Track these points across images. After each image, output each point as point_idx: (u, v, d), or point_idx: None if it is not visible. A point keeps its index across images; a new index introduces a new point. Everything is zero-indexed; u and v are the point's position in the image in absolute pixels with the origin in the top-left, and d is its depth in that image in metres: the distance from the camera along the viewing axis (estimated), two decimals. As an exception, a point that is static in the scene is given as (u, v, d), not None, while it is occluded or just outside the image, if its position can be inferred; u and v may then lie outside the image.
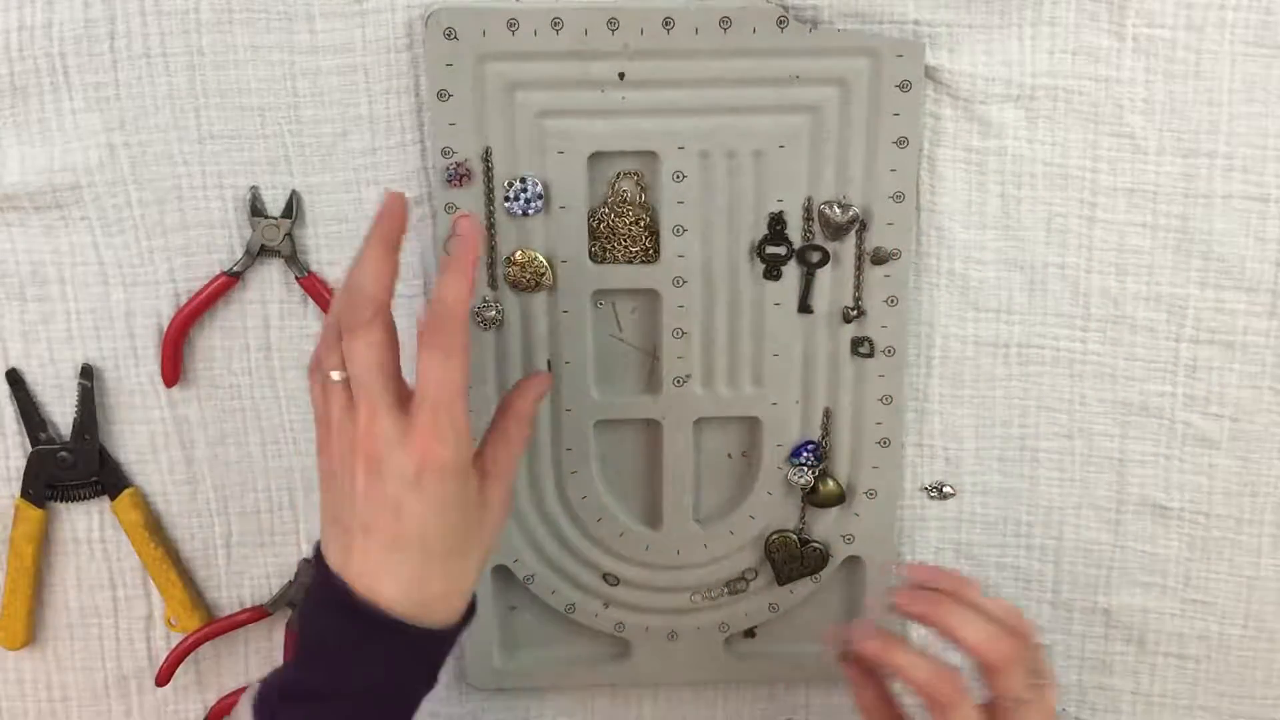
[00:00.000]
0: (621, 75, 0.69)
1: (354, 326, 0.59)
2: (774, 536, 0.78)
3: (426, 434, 0.58)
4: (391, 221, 0.60)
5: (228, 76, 0.69)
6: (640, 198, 0.73)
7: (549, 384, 0.71)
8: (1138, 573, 0.80)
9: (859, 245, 0.73)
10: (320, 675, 0.61)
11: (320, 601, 0.62)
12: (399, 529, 0.59)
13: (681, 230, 0.72)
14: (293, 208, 0.71)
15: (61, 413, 0.75)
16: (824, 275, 0.73)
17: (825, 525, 0.78)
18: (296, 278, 0.73)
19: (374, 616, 0.59)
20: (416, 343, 0.59)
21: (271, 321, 0.74)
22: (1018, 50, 0.70)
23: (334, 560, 0.61)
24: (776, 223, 0.72)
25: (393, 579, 0.59)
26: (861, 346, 0.75)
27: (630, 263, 0.73)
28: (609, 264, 0.73)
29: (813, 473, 0.77)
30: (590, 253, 0.73)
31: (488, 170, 0.71)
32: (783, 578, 0.79)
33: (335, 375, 0.60)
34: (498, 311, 0.73)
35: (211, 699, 0.82)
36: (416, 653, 0.62)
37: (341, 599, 0.60)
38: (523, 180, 0.71)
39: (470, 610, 0.65)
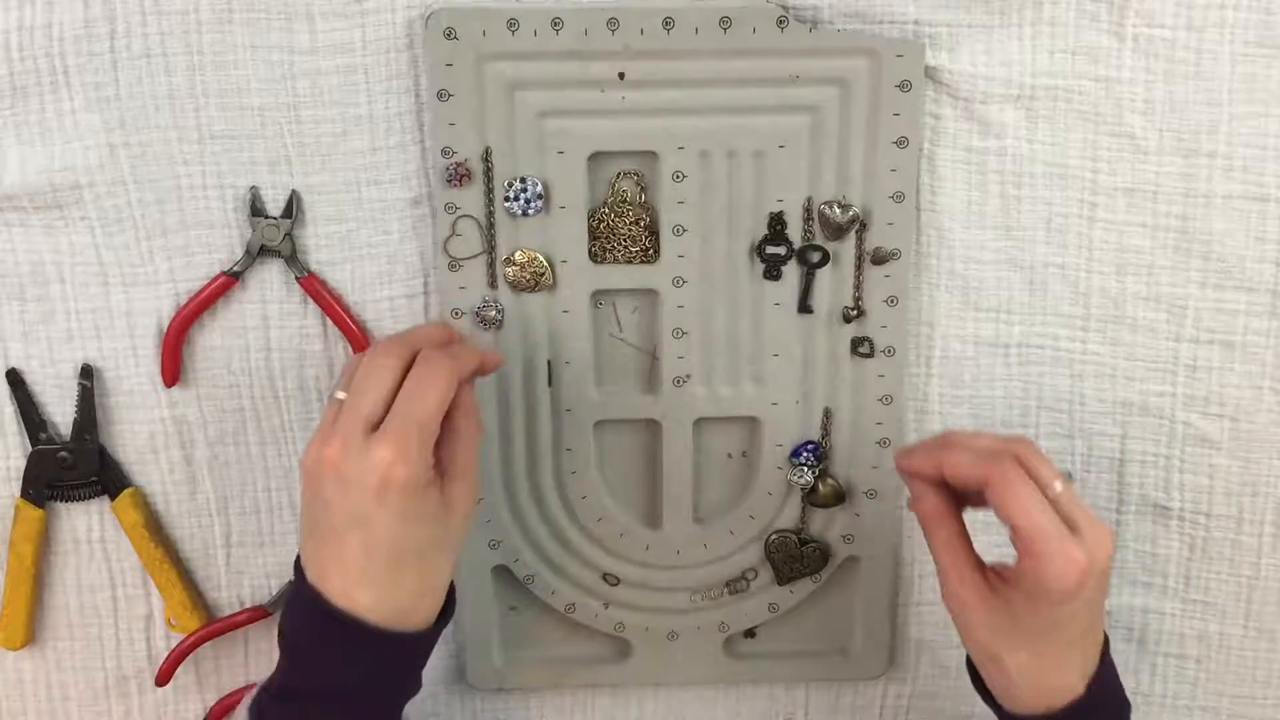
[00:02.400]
0: (621, 75, 0.69)
1: (384, 352, 0.62)
2: (774, 536, 0.78)
3: (388, 451, 0.59)
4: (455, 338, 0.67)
5: (228, 76, 0.69)
6: (640, 198, 0.73)
7: (496, 363, 0.69)
8: (1138, 573, 0.80)
9: (859, 245, 0.73)
10: (306, 679, 0.63)
11: (302, 611, 0.64)
12: (368, 539, 0.61)
13: (681, 230, 0.72)
14: (293, 208, 0.71)
15: (61, 413, 0.75)
16: (824, 275, 0.73)
17: (825, 525, 0.78)
18: (296, 278, 0.73)
19: (353, 626, 0.61)
20: (414, 364, 0.62)
21: (271, 321, 0.74)
22: (1018, 50, 0.70)
23: (312, 573, 0.62)
24: (776, 223, 0.72)
25: (368, 587, 0.61)
26: (861, 346, 0.75)
27: (630, 263, 0.73)
28: (609, 264, 0.73)
29: (813, 473, 0.77)
30: (590, 253, 0.73)
31: (488, 170, 0.71)
32: (783, 578, 0.79)
33: (339, 394, 0.62)
34: (498, 311, 0.73)
35: (211, 699, 0.82)
36: (396, 656, 0.64)
37: (321, 609, 0.61)
38: (523, 180, 0.71)
39: (448, 610, 0.66)
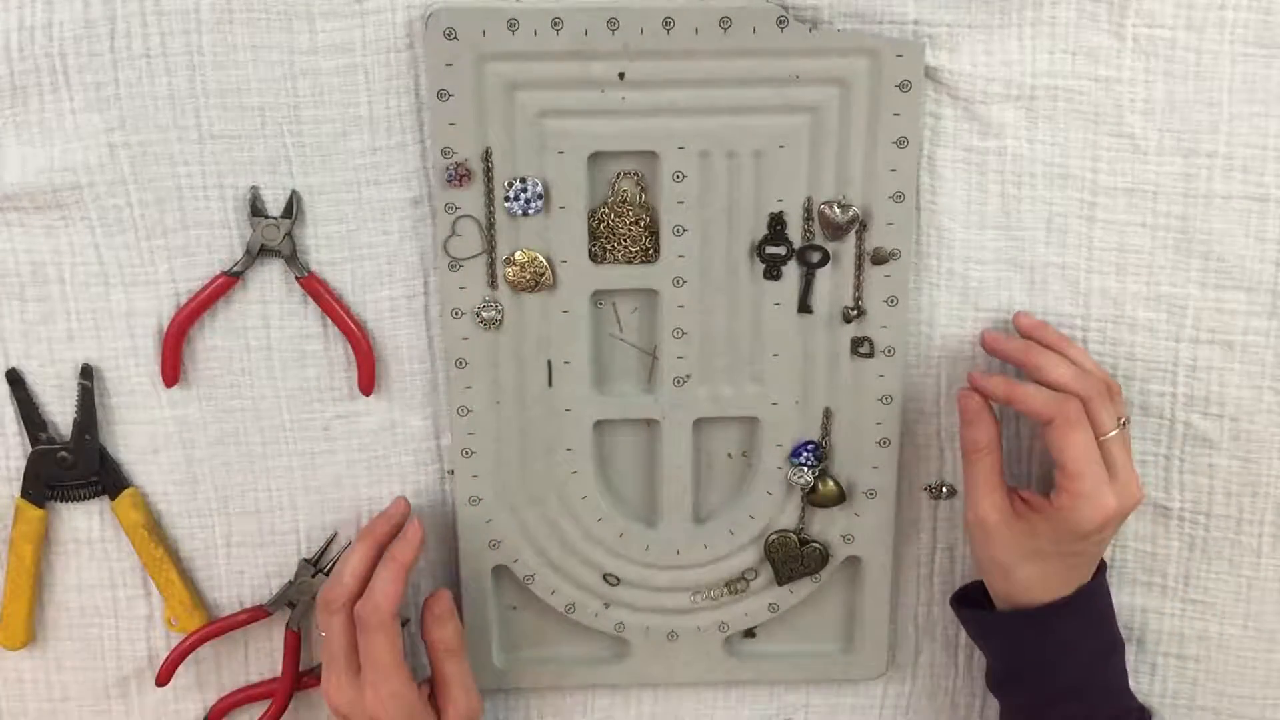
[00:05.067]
0: (621, 75, 0.69)
1: (327, 610, 0.72)
2: (774, 536, 0.78)
3: (371, 700, 0.72)
4: (387, 525, 0.75)
5: (228, 76, 0.69)
6: (640, 198, 0.73)
7: (449, 601, 0.76)
8: (1138, 573, 0.80)
9: (859, 245, 0.73)
10: None
11: None
12: None
13: (681, 230, 0.72)
14: (293, 208, 0.71)
15: (61, 413, 0.75)
16: (824, 275, 0.73)
17: (825, 525, 0.78)
18: (296, 278, 0.73)
19: None
20: (357, 618, 0.71)
21: (271, 321, 0.74)
22: (1018, 50, 0.70)
23: None
24: (776, 223, 0.72)
25: None
26: (861, 346, 0.75)
27: (630, 263, 0.73)
28: (609, 264, 0.73)
29: (813, 473, 0.77)
30: (590, 253, 0.73)
31: (488, 170, 0.71)
32: (783, 578, 0.79)
33: (323, 634, 0.73)
34: (498, 311, 0.73)
35: (211, 699, 0.82)
36: None
37: None
38: (523, 180, 0.71)
39: None
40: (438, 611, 0.75)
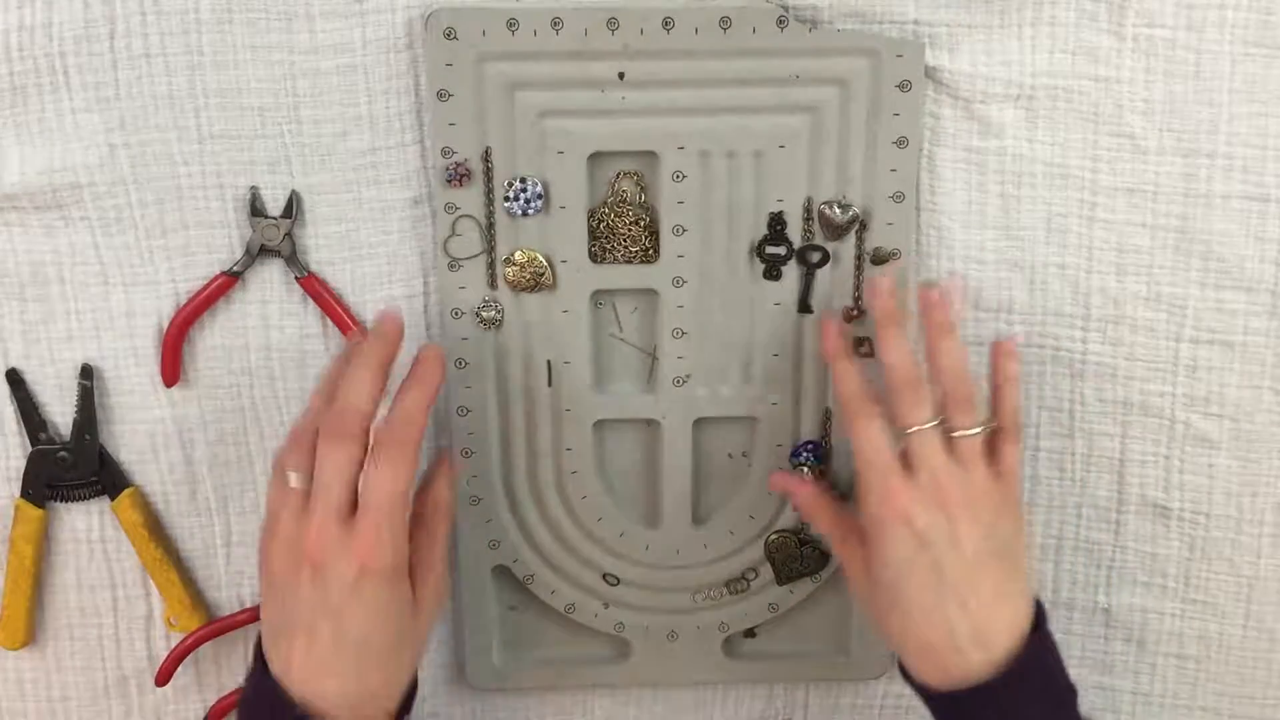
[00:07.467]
0: (621, 75, 0.69)
1: (338, 436, 0.62)
2: (774, 536, 0.78)
3: (367, 542, 0.61)
4: (385, 342, 0.66)
5: (228, 76, 0.69)
6: (640, 198, 0.73)
7: (456, 467, 0.73)
8: (1138, 573, 0.80)
9: (859, 245, 0.73)
10: None
11: (261, 703, 0.64)
12: (340, 631, 0.62)
13: (681, 230, 0.72)
14: (293, 208, 0.71)
15: (61, 413, 0.75)
16: (824, 275, 0.73)
17: (825, 525, 0.78)
18: (296, 278, 0.73)
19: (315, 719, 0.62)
20: (372, 447, 0.62)
21: (271, 321, 0.74)
22: (1018, 50, 0.70)
23: (276, 666, 0.63)
24: (776, 223, 0.72)
25: (334, 680, 0.62)
26: (862, 346, 0.75)
27: (630, 263, 0.73)
28: (609, 264, 0.73)
29: (813, 473, 0.77)
30: (590, 253, 0.73)
31: (488, 170, 0.71)
32: (783, 578, 0.79)
33: (294, 481, 0.63)
34: (497, 311, 0.73)
35: (211, 699, 0.82)
36: None
37: (284, 702, 0.62)
38: (523, 180, 0.71)
39: (408, 702, 0.67)
40: (442, 470, 0.70)
